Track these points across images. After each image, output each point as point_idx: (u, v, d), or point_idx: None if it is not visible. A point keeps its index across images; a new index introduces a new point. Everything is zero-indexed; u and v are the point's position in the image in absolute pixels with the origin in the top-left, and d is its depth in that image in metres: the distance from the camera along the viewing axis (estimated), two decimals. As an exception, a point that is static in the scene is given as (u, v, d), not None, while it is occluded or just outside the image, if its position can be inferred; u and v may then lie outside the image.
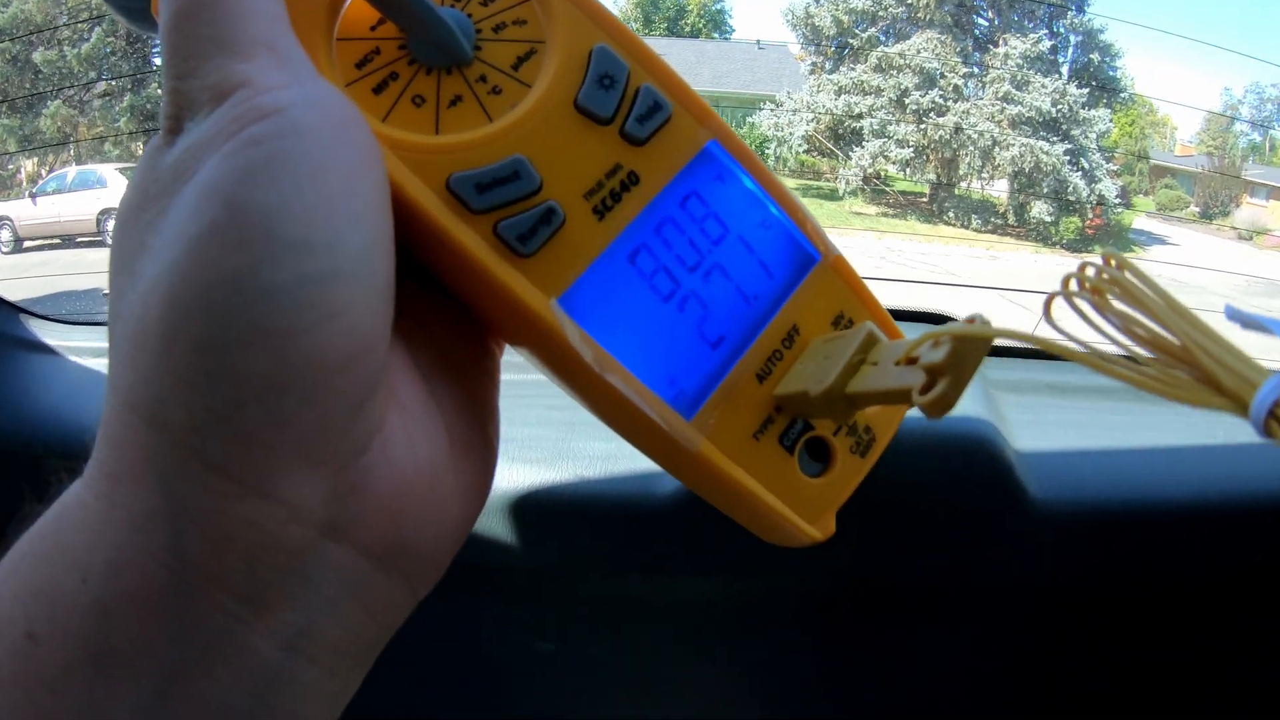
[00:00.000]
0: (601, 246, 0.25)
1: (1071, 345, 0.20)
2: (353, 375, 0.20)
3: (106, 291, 0.22)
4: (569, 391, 0.26)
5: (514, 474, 0.70)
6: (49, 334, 0.87)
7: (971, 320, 0.21)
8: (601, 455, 0.71)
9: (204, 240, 0.19)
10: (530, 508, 0.70)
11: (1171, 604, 0.82)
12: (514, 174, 0.24)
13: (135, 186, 0.22)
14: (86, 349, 0.86)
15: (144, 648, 0.19)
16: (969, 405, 0.72)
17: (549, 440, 0.73)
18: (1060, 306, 0.21)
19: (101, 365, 0.86)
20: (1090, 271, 0.21)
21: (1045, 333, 0.21)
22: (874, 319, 0.29)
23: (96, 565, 0.19)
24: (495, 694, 0.85)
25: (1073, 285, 0.21)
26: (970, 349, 0.21)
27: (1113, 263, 0.21)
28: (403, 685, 0.77)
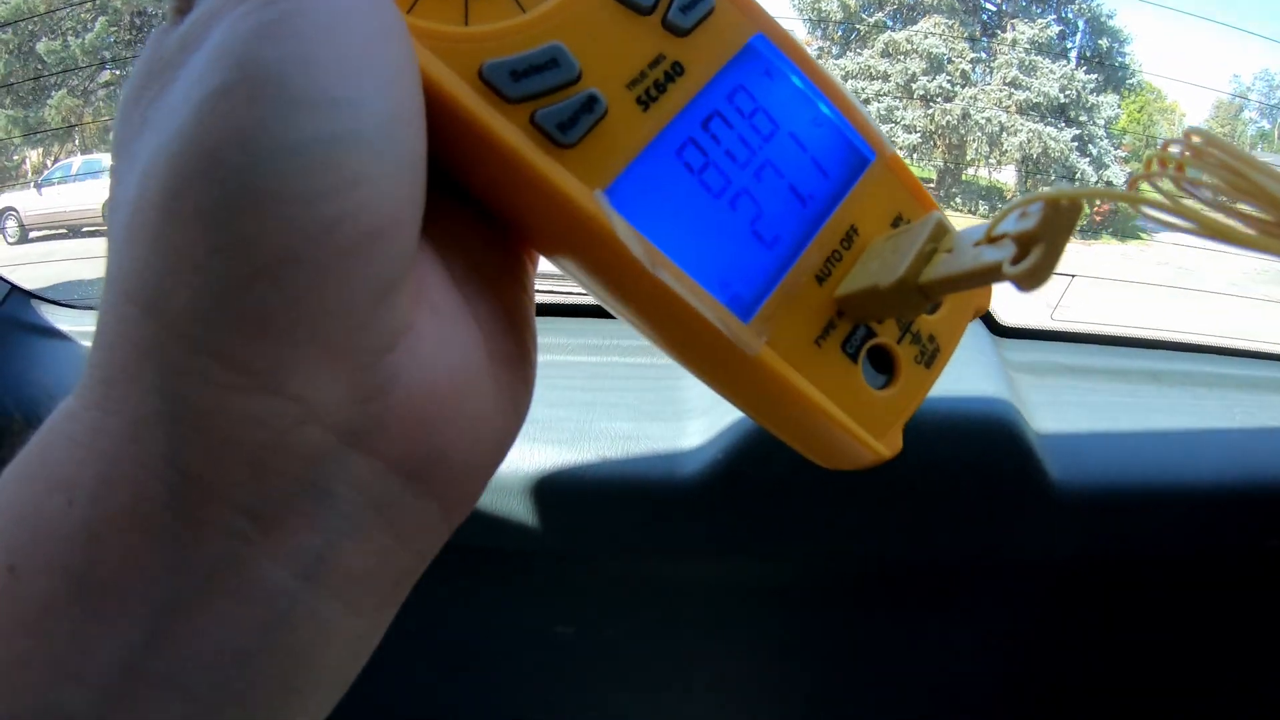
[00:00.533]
0: (647, 138, 0.24)
1: (1165, 216, 0.19)
2: (374, 256, 0.18)
3: None
4: (610, 300, 0.25)
5: (535, 455, 0.70)
6: (62, 319, 0.87)
7: (1058, 186, 0.20)
8: (623, 435, 0.71)
9: (212, 100, 0.17)
10: (551, 489, 0.69)
11: (1189, 584, 0.83)
12: (551, 61, 0.23)
13: (137, 71, 0.20)
14: (99, 334, 0.85)
15: (136, 578, 0.17)
16: (989, 386, 0.72)
17: (570, 421, 0.73)
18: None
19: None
20: (1174, 149, 0.20)
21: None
22: None
23: (85, 483, 0.17)
24: (515, 677, 0.85)
25: (1155, 166, 0.20)
26: (1063, 213, 0.19)
27: (1195, 138, 0.20)
28: (422, 669, 0.78)
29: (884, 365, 0.27)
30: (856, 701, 0.87)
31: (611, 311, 0.26)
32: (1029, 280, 0.20)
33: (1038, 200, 0.20)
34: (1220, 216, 0.19)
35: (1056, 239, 0.19)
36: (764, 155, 0.25)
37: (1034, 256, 0.19)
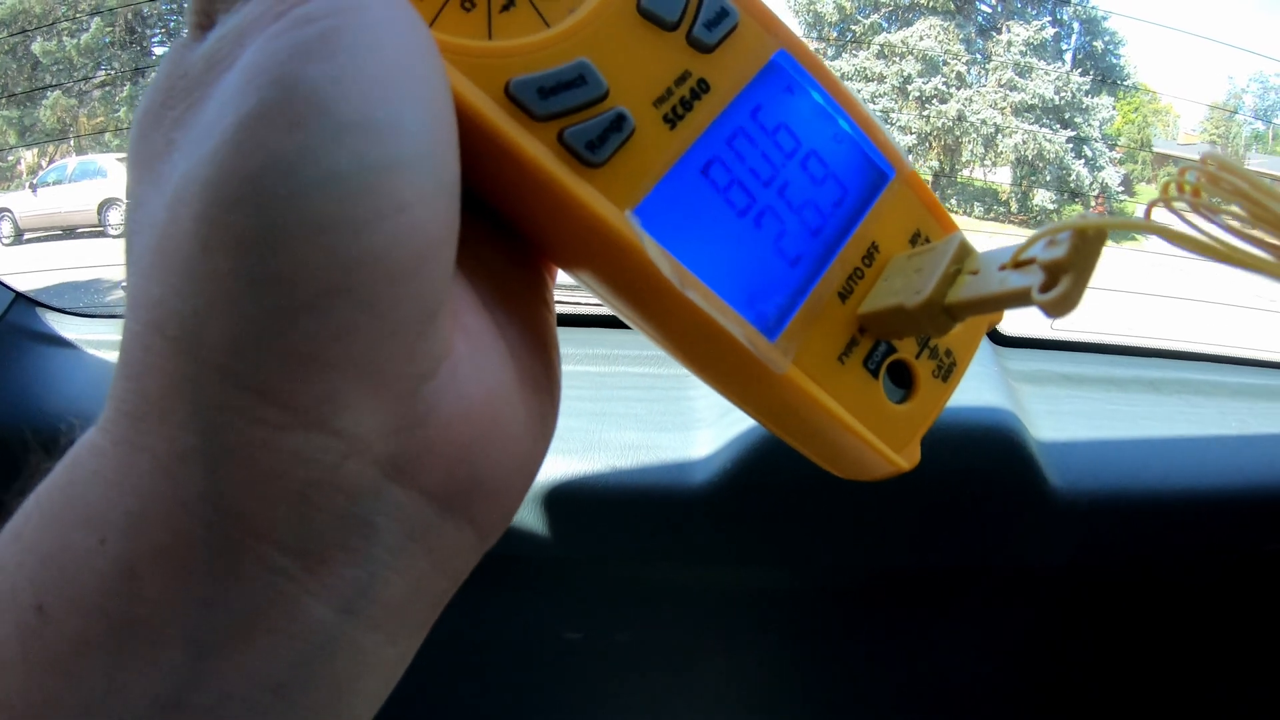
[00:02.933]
0: (675, 157, 0.23)
1: (1188, 233, 0.19)
2: (419, 282, 0.18)
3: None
4: (633, 316, 0.25)
5: (546, 464, 0.69)
6: (67, 328, 0.87)
7: (1085, 215, 0.20)
8: (633, 445, 0.72)
9: (249, 124, 0.16)
10: (562, 498, 0.70)
11: (1186, 589, 0.84)
12: (579, 78, 0.22)
13: (156, 87, 0.19)
14: (105, 342, 0.85)
15: (173, 617, 0.17)
16: (991, 396, 0.73)
17: (580, 431, 0.73)
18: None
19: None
20: (1190, 175, 0.20)
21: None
22: None
23: (116, 521, 0.17)
24: (524, 681, 0.85)
25: (1172, 191, 0.21)
26: (1091, 242, 0.19)
27: (1211, 164, 0.20)
28: (432, 673, 0.78)
29: (903, 380, 0.27)
30: (862, 704, 0.87)
31: (629, 324, 0.26)
32: (1059, 308, 0.20)
33: (1066, 229, 0.20)
34: (1238, 242, 0.19)
35: (1085, 267, 0.19)
36: (787, 172, 0.25)
37: (1064, 285, 0.20)
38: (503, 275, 0.24)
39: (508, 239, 0.24)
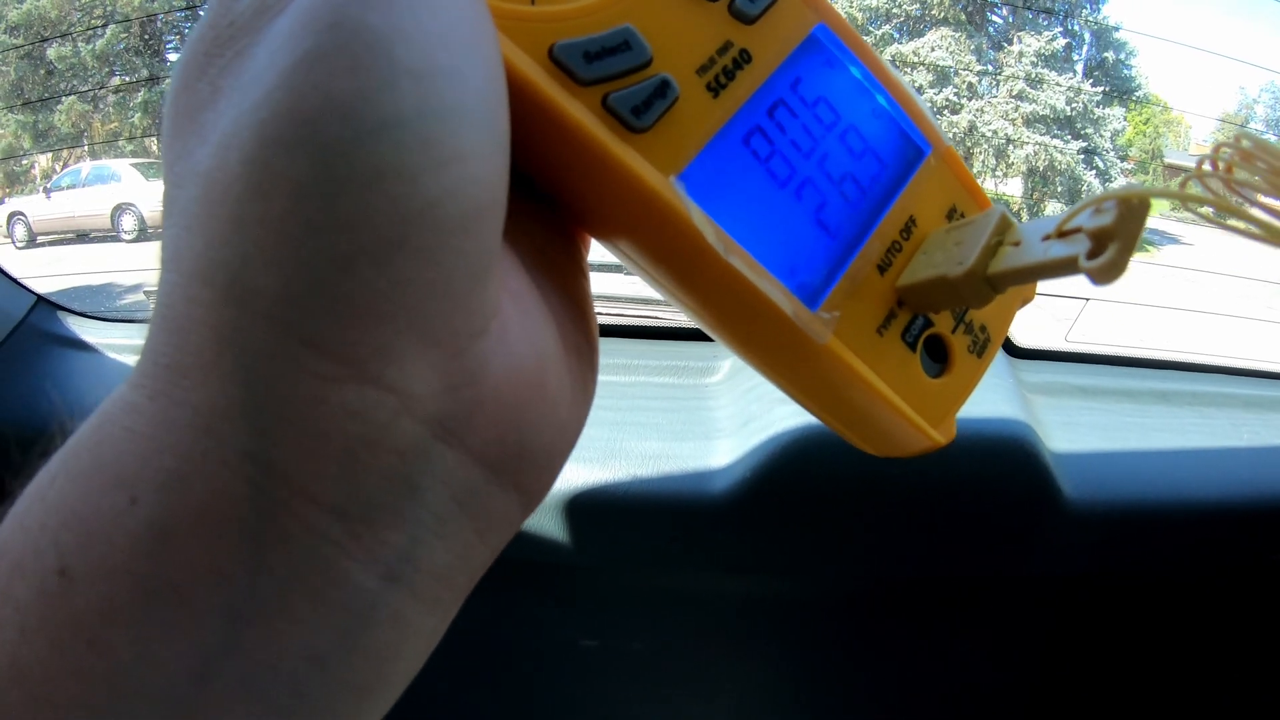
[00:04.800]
0: (718, 125, 0.23)
1: (1220, 214, 0.20)
2: (475, 235, 0.17)
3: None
4: (674, 287, 0.24)
5: (566, 472, 0.69)
6: (88, 331, 0.87)
7: (1130, 185, 0.20)
8: (652, 454, 0.72)
9: (307, 65, 0.16)
10: (583, 505, 0.70)
11: (1198, 598, 0.84)
12: (624, 43, 0.22)
13: (199, 38, 0.18)
14: (126, 346, 0.86)
15: (209, 582, 0.16)
16: (1006, 408, 0.73)
17: (600, 440, 0.74)
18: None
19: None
20: (1225, 152, 0.21)
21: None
22: None
23: (150, 480, 0.16)
24: (539, 688, 0.85)
25: (1206, 166, 0.21)
26: (1137, 210, 0.20)
27: (1244, 142, 0.21)
28: (448, 678, 0.78)
29: (939, 354, 0.27)
30: (877, 712, 0.87)
31: (666, 298, 0.26)
32: (1108, 274, 0.20)
33: (1111, 198, 0.20)
34: (1270, 218, 0.20)
35: (1131, 235, 0.20)
36: (826, 145, 0.25)
37: (1111, 252, 0.20)
38: (543, 242, 0.24)
39: (546, 210, 0.24)
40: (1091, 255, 0.20)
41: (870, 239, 0.25)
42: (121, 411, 0.17)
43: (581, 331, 0.23)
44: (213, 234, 0.16)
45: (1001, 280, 0.23)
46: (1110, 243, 0.20)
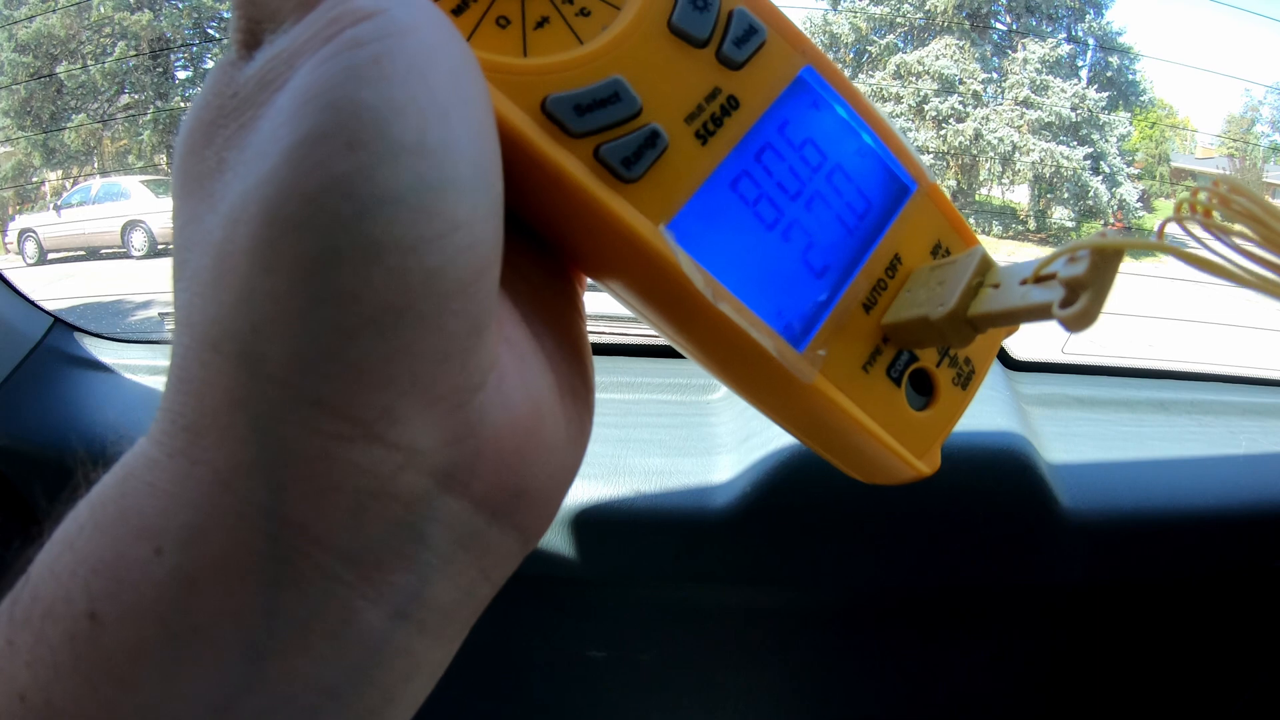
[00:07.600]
0: (706, 173, 0.24)
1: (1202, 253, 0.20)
2: (472, 298, 0.18)
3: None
4: (666, 327, 0.25)
5: (572, 489, 0.69)
6: (105, 352, 0.88)
7: (1104, 234, 0.20)
8: (656, 470, 0.73)
9: (308, 145, 0.16)
10: (588, 521, 0.71)
11: (1196, 606, 0.84)
12: (614, 95, 0.23)
13: (204, 105, 0.19)
14: (141, 366, 0.86)
15: (232, 624, 0.17)
16: (1003, 420, 0.74)
17: (605, 456, 0.74)
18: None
19: (158, 383, 0.86)
20: (1203, 196, 0.21)
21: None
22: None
23: (173, 533, 0.17)
24: (549, 699, 0.86)
25: (1185, 210, 0.21)
26: (1110, 260, 0.20)
27: (1222, 186, 0.21)
28: (458, 690, 0.79)
29: (924, 387, 0.27)
30: (879, 720, 0.88)
31: (658, 333, 0.26)
32: (1079, 323, 0.20)
33: (1085, 247, 0.20)
34: (1247, 263, 0.20)
35: (1103, 284, 0.20)
36: (813, 186, 0.26)
37: (1083, 301, 0.20)
38: (538, 285, 0.24)
39: (540, 250, 0.25)
40: (1065, 304, 0.20)
41: (856, 278, 0.26)
42: (144, 467, 0.18)
43: (577, 374, 0.24)
44: (223, 303, 0.17)
45: (981, 322, 0.24)
46: (1083, 291, 0.20)
